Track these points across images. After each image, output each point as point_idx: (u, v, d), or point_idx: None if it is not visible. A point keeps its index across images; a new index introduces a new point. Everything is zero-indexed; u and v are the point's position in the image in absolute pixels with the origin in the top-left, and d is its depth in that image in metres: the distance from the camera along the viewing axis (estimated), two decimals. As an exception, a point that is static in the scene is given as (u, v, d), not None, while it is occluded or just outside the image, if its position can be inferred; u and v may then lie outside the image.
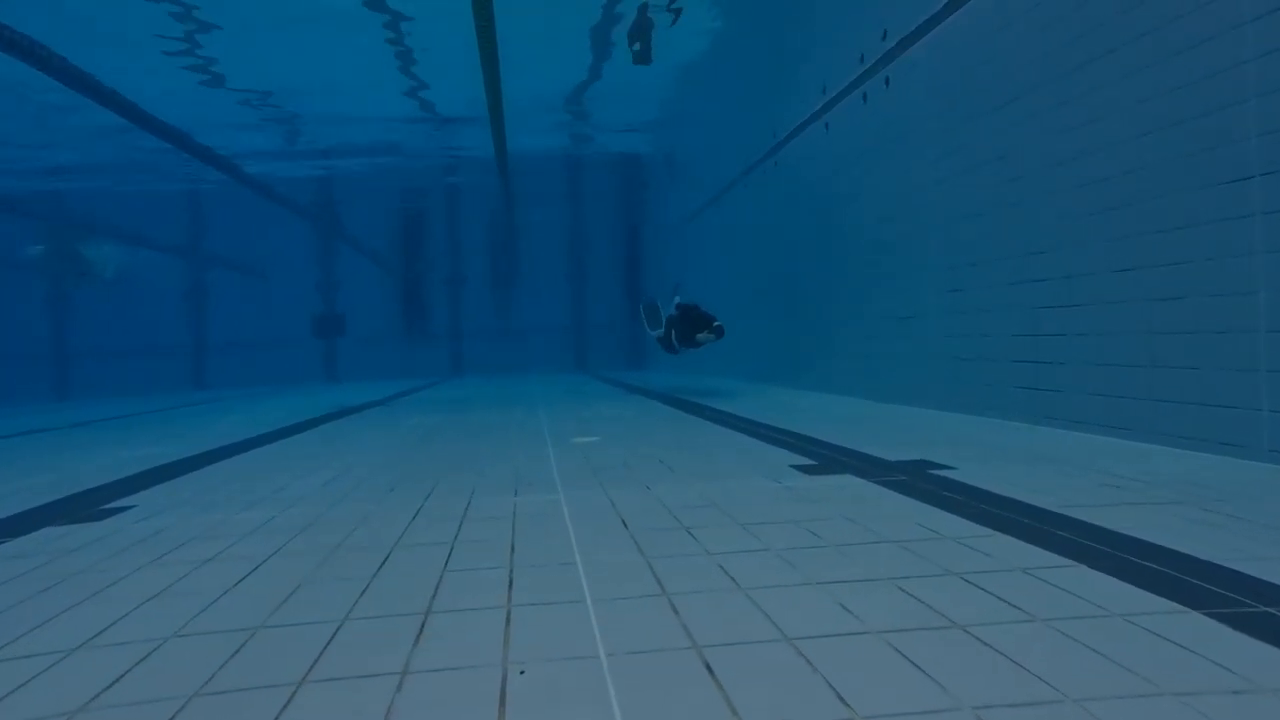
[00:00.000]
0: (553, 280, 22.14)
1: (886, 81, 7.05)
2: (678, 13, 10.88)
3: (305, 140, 16.82)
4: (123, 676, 1.60)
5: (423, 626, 1.82)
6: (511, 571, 2.22)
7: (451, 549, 2.50)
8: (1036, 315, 5.10)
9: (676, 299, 9.22)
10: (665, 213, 18.09)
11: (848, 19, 7.84)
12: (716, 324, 8.45)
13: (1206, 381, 3.90)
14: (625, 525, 2.74)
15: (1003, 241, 5.42)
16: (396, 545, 2.58)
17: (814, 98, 8.59)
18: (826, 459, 4.04)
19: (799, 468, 3.81)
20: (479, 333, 21.76)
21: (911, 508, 2.86)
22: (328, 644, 1.73)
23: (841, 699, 1.38)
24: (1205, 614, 1.71)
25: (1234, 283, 3.76)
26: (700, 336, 8.48)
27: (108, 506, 3.46)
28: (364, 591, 2.09)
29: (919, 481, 3.35)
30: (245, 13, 10.70)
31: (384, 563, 2.37)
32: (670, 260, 17.63)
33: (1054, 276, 4.94)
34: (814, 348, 9.00)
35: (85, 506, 3.48)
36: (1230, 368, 3.79)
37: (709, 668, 1.52)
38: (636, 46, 11.25)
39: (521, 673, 1.53)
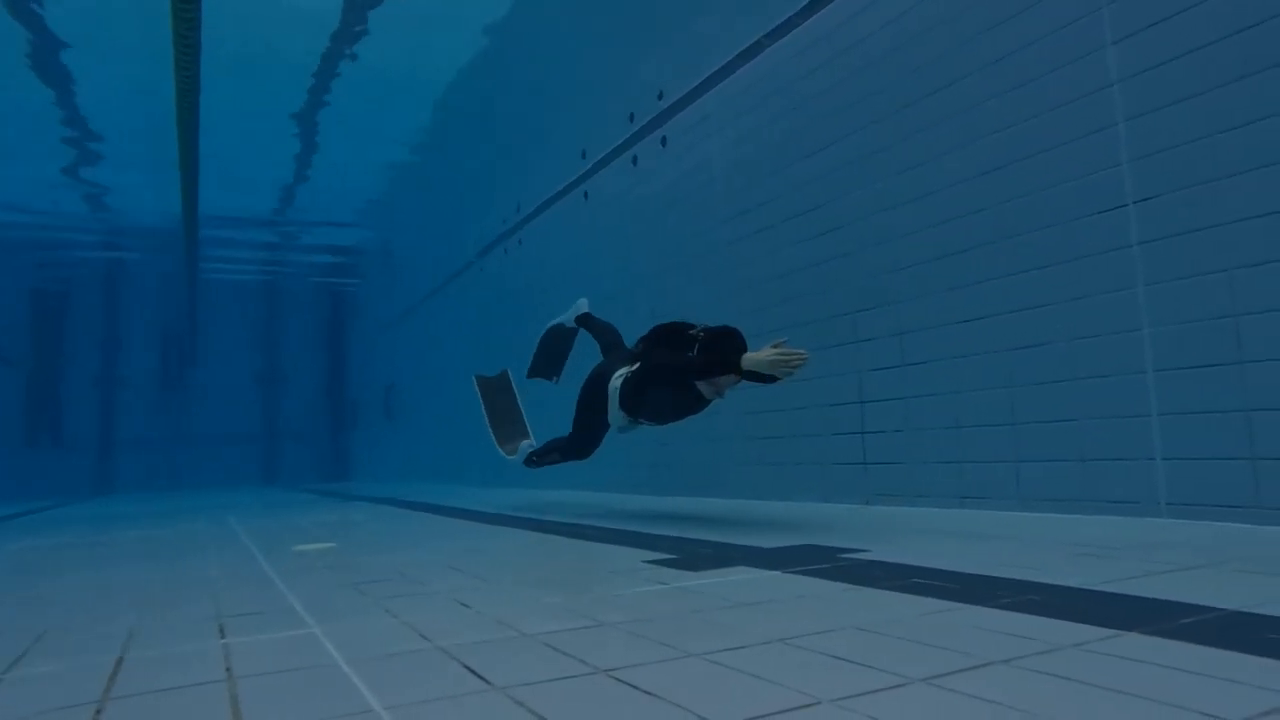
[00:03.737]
0: (238, 382, 18.96)
1: (663, 141, 6.47)
2: None
3: None
4: None
5: None
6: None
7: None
8: (862, 379, 4.50)
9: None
10: (379, 307, 16.32)
11: (615, 80, 7.27)
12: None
13: (1087, 434, 3.41)
14: (480, 677, 1.39)
15: (819, 301, 4.83)
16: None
17: (573, 164, 7.84)
18: (685, 551, 2.93)
19: (660, 563, 2.65)
20: (139, 442, 17.72)
21: (930, 607, 1.83)
22: None
23: None
24: None
25: (1113, 321, 3.33)
26: (755, 361, 3.39)
27: None
28: None
29: (864, 570, 2.35)
30: None
31: None
32: (381, 360, 15.81)
33: (883, 334, 4.38)
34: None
35: None
36: (1114, 415, 3.32)
37: None
38: None
39: None
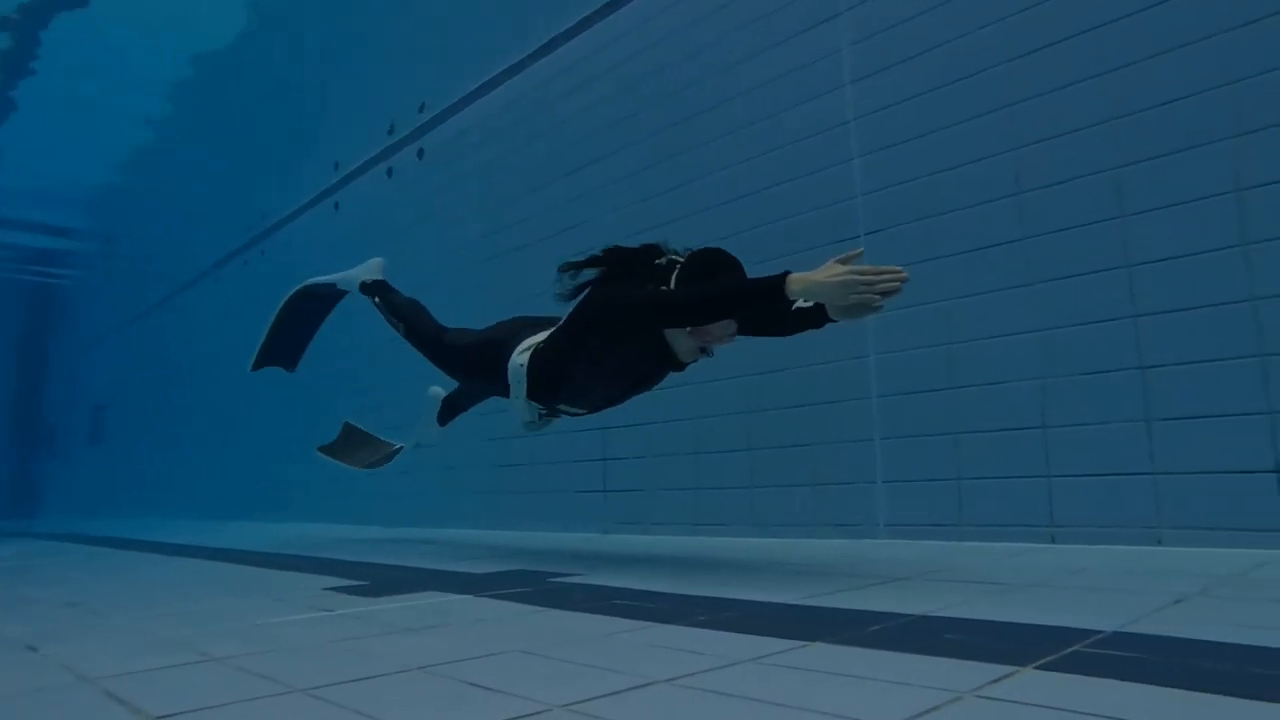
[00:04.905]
0: None
1: (420, 154, 6.10)
2: None
3: None
4: None
5: None
6: None
7: None
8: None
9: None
10: (92, 315, 14.18)
11: (374, 90, 6.81)
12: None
13: (818, 458, 3.42)
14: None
15: (567, 322, 4.64)
16: None
17: (325, 173, 7.23)
18: (378, 577, 2.54)
19: (341, 589, 2.26)
20: None
21: (620, 627, 1.60)
22: None
23: None
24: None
25: (844, 348, 3.38)
26: (814, 288, 2.04)
27: None
28: None
29: (565, 593, 2.09)
30: None
31: None
32: (92, 376, 13.73)
33: (629, 359, 4.25)
34: (271, 474, 7.18)
35: None
36: (843, 440, 3.35)
37: None
38: None
39: None
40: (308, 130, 7.66)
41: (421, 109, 6.11)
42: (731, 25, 3.97)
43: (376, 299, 3.64)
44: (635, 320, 2.32)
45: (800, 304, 2.23)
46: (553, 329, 2.68)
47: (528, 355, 2.70)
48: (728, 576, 2.28)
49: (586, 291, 2.47)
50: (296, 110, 7.93)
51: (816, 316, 2.27)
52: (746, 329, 2.44)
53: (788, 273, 2.03)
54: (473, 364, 3.04)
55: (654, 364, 2.52)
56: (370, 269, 3.79)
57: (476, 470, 5.06)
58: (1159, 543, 2.45)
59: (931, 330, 3.11)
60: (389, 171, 6.45)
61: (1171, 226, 2.55)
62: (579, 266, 2.48)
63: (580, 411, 2.90)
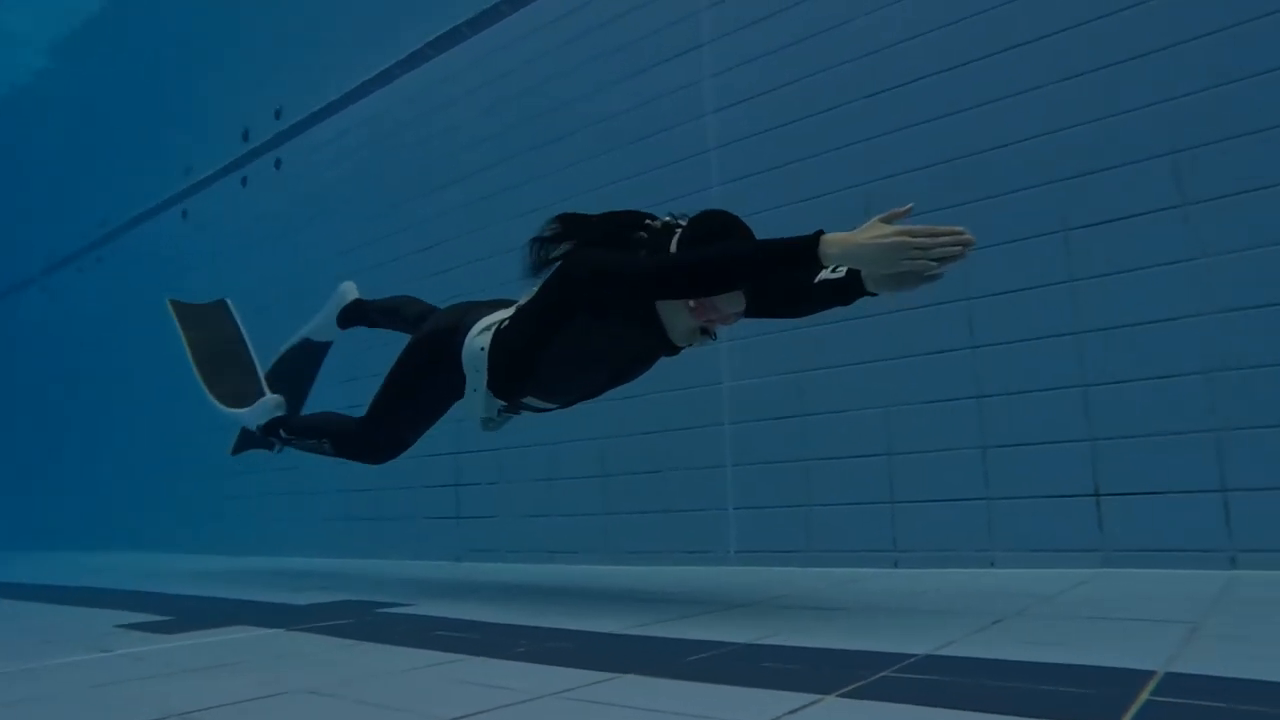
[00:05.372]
0: None
1: (277, 164, 5.79)
2: None
3: None
4: None
5: None
6: None
7: None
8: (458, 428, 4.17)
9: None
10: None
11: (229, 95, 6.44)
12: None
13: (671, 485, 3.38)
14: None
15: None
16: None
17: (173, 179, 6.77)
18: (185, 611, 2.31)
19: (136, 626, 2.03)
20: None
21: (429, 660, 1.47)
22: None
23: None
24: None
25: (700, 374, 3.37)
26: (855, 251, 1.67)
27: None
28: None
29: (388, 624, 1.94)
30: None
31: None
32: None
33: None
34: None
35: None
36: (696, 466, 3.33)
37: None
38: None
39: None
40: (155, 131, 7.17)
41: (278, 115, 5.82)
42: (598, 51, 3.94)
43: (283, 434, 2.95)
44: (627, 288, 1.87)
45: (826, 274, 1.90)
46: (516, 305, 2.25)
47: (489, 336, 2.24)
48: (567, 605, 2.18)
49: (562, 257, 2.04)
50: (143, 109, 7.42)
51: (847, 289, 1.91)
52: (757, 308, 2.06)
53: (821, 232, 1.65)
54: (418, 375, 2.45)
55: (644, 347, 2.11)
56: (261, 410, 2.98)
57: (324, 496, 4.78)
58: (992, 565, 2.53)
59: (784, 358, 3.14)
60: (244, 180, 6.10)
61: (1006, 262, 2.65)
62: (549, 240, 2.07)
63: (549, 406, 2.41)
